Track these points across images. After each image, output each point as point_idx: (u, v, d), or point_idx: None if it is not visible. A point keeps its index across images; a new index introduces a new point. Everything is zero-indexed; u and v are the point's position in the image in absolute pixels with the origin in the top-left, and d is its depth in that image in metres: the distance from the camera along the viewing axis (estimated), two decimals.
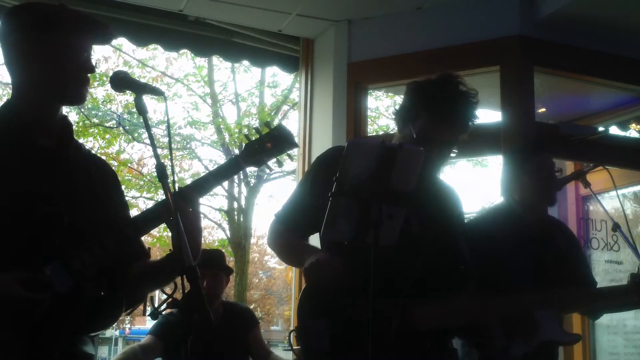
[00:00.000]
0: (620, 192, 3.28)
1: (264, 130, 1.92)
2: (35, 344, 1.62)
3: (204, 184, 1.87)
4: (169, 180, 1.57)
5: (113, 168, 2.10)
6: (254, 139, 1.90)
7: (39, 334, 1.62)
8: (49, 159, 1.82)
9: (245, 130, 12.56)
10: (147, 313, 1.76)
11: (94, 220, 1.80)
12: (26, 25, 1.82)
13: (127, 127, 12.60)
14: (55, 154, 1.84)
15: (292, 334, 2.18)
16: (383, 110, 12.31)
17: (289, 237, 2.27)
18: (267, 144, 1.87)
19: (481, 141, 4.05)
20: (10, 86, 1.92)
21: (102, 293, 1.84)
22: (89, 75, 1.85)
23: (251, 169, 1.96)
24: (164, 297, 1.70)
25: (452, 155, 2.28)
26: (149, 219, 1.80)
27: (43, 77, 1.81)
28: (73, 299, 1.67)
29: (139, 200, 13.17)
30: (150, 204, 12.76)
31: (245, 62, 7.08)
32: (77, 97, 1.86)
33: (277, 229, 2.31)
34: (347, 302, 2.03)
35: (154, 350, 3.58)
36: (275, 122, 12.69)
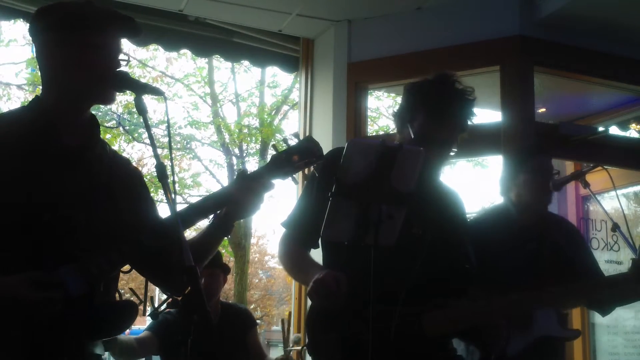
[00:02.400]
0: (620, 192, 3.27)
1: (291, 142, 1.89)
2: (45, 346, 1.61)
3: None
4: (169, 180, 1.57)
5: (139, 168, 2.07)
6: (280, 150, 1.87)
7: (49, 336, 1.61)
8: (72, 159, 1.81)
9: (245, 131, 12.57)
10: (147, 313, 1.76)
11: (112, 223, 1.79)
12: (53, 25, 1.81)
13: (127, 127, 12.60)
14: (79, 154, 1.82)
15: (304, 350, 2.18)
16: (383, 110, 12.31)
17: (294, 254, 2.25)
18: (293, 156, 1.83)
19: (481, 141, 4.05)
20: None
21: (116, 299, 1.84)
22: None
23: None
24: (164, 297, 1.71)
25: (452, 154, 2.28)
26: (170, 225, 1.75)
27: (71, 77, 1.79)
28: (86, 303, 1.66)
29: None
30: None
31: (245, 62, 7.09)
32: (106, 97, 1.84)
33: (284, 243, 2.29)
34: (352, 312, 2.01)
35: (148, 345, 3.58)
36: (276, 122, 12.60)
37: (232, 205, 1.82)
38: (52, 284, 1.60)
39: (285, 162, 1.83)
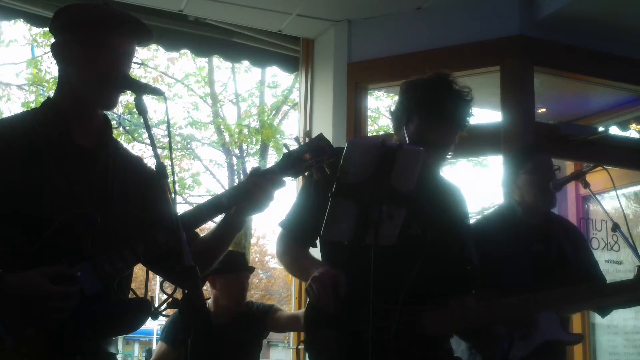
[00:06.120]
0: (620, 192, 3.28)
1: (302, 141, 1.90)
2: (60, 343, 1.63)
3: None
4: (169, 180, 1.58)
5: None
6: (292, 149, 1.87)
7: (65, 334, 1.62)
8: (86, 159, 1.83)
9: (245, 131, 12.56)
10: None
11: (127, 221, 1.81)
12: (64, 24, 1.85)
13: (128, 127, 12.59)
14: (92, 153, 1.85)
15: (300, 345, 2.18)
16: (383, 110, 12.27)
17: (293, 251, 2.25)
18: (305, 154, 1.85)
19: (481, 141, 4.05)
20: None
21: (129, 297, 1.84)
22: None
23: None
24: (164, 297, 1.71)
25: (449, 156, 2.26)
26: (185, 222, 1.75)
27: (77, 76, 1.82)
28: (101, 301, 1.67)
29: None
30: None
31: (246, 62, 7.08)
32: (108, 101, 1.85)
33: (282, 241, 2.28)
34: (350, 311, 2.01)
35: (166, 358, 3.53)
36: (276, 123, 12.55)
37: (244, 200, 1.83)
38: (68, 278, 1.62)
39: (297, 160, 1.84)
